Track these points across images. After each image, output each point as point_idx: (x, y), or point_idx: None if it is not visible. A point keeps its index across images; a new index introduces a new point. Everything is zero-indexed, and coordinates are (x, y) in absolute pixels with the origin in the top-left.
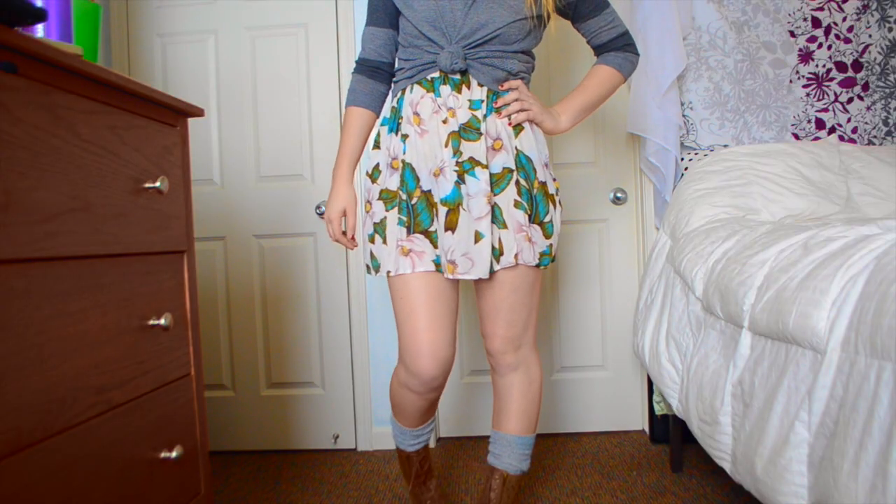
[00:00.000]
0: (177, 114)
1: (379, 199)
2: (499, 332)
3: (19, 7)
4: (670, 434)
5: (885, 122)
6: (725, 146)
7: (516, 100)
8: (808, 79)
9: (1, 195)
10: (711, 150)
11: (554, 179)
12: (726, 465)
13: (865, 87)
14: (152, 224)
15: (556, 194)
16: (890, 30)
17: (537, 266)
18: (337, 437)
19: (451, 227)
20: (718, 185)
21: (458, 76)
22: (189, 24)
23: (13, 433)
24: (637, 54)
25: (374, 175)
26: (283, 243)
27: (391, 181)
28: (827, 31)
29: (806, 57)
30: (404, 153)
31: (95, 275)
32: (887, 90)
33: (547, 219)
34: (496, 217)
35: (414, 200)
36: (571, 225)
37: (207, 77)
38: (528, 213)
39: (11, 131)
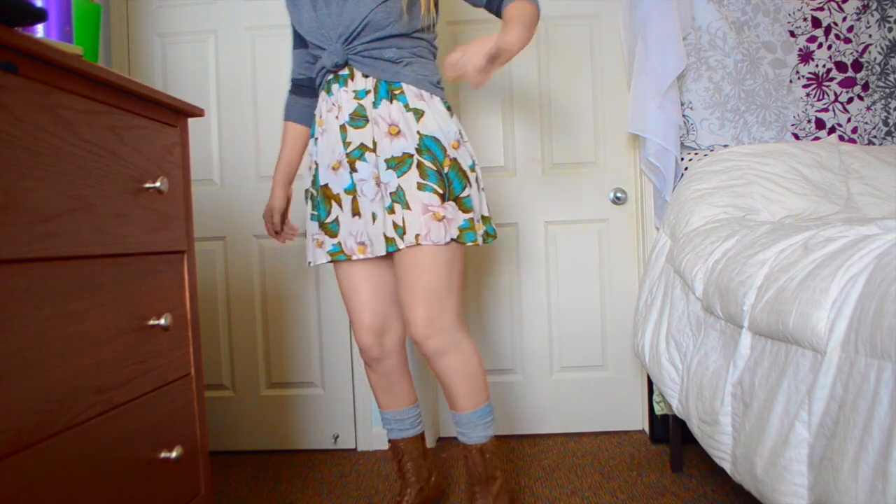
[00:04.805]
0: (177, 114)
1: (305, 198)
2: (419, 314)
3: (19, 7)
4: (670, 434)
5: (885, 122)
6: (725, 146)
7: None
8: (808, 79)
9: (1, 195)
10: (711, 150)
11: (474, 159)
12: (726, 465)
13: (865, 87)
14: (152, 224)
15: (473, 171)
16: (890, 30)
17: (459, 242)
18: (337, 437)
19: (357, 212)
20: (718, 185)
21: (345, 71)
22: (189, 24)
23: (13, 433)
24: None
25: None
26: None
27: (309, 181)
28: (827, 31)
29: (806, 57)
30: (316, 154)
31: (95, 275)
32: (887, 90)
33: (464, 194)
34: (400, 198)
35: (317, 196)
36: (571, 225)
37: (207, 77)
38: (441, 192)
39: (11, 131)
